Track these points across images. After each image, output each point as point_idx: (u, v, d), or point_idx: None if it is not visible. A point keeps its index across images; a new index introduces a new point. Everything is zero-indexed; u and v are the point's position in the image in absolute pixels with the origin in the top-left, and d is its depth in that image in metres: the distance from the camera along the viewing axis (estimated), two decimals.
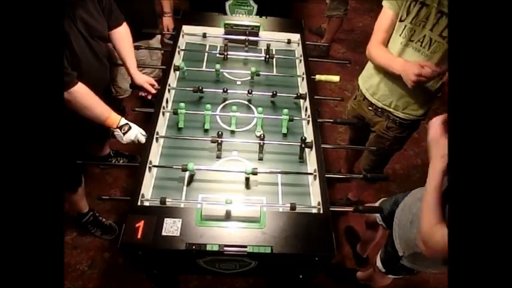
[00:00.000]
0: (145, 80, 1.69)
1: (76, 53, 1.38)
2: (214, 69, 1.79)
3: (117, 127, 1.44)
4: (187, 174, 1.42)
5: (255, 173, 1.37)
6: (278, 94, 1.72)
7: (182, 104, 1.57)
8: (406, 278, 2.08)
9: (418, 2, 1.41)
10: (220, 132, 1.47)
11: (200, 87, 1.68)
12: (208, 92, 1.72)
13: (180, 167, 1.36)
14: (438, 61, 1.42)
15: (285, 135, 1.61)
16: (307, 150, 1.53)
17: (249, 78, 1.86)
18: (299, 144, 1.49)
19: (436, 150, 1.01)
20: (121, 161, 2.36)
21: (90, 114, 1.41)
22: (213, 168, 1.44)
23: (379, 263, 1.57)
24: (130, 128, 1.45)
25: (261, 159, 1.51)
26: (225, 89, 1.70)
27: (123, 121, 1.46)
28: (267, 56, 1.91)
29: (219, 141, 1.47)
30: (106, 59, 1.64)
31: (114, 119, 1.44)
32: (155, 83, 1.70)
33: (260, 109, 1.59)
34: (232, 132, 1.60)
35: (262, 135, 1.51)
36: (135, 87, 1.72)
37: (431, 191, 0.98)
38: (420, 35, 1.43)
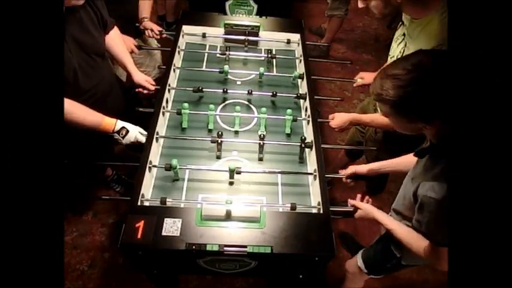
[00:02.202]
0: (144, 78, 1.69)
1: (67, 71, 1.35)
2: (214, 70, 1.79)
3: (115, 131, 1.43)
4: (187, 172, 1.42)
5: (238, 172, 1.36)
6: (278, 94, 1.71)
7: (186, 104, 1.57)
8: (406, 278, 2.09)
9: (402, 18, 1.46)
10: (220, 133, 1.47)
11: (200, 87, 1.68)
12: (209, 92, 1.72)
13: (181, 168, 1.35)
14: None
15: (288, 135, 1.61)
16: (307, 150, 1.53)
17: (249, 78, 1.86)
18: (299, 144, 1.49)
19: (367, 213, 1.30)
20: (118, 189, 2.31)
21: (83, 124, 1.37)
22: (213, 168, 1.45)
23: (361, 263, 1.55)
24: (128, 131, 1.44)
25: (261, 159, 1.51)
26: (225, 89, 1.70)
27: (119, 124, 1.44)
28: (269, 57, 1.91)
29: (219, 141, 1.47)
30: (110, 74, 1.64)
31: (108, 123, 1.42)
32: (154, 83, 1.70)
33: (263, 109, 1.58)
34: (236, 132, 1.60)
35: (262, 135, 1.51)
36: (134, 85, 1.72)
37: (395, 227, 1.17)
38: (395, 51, 1.46)
